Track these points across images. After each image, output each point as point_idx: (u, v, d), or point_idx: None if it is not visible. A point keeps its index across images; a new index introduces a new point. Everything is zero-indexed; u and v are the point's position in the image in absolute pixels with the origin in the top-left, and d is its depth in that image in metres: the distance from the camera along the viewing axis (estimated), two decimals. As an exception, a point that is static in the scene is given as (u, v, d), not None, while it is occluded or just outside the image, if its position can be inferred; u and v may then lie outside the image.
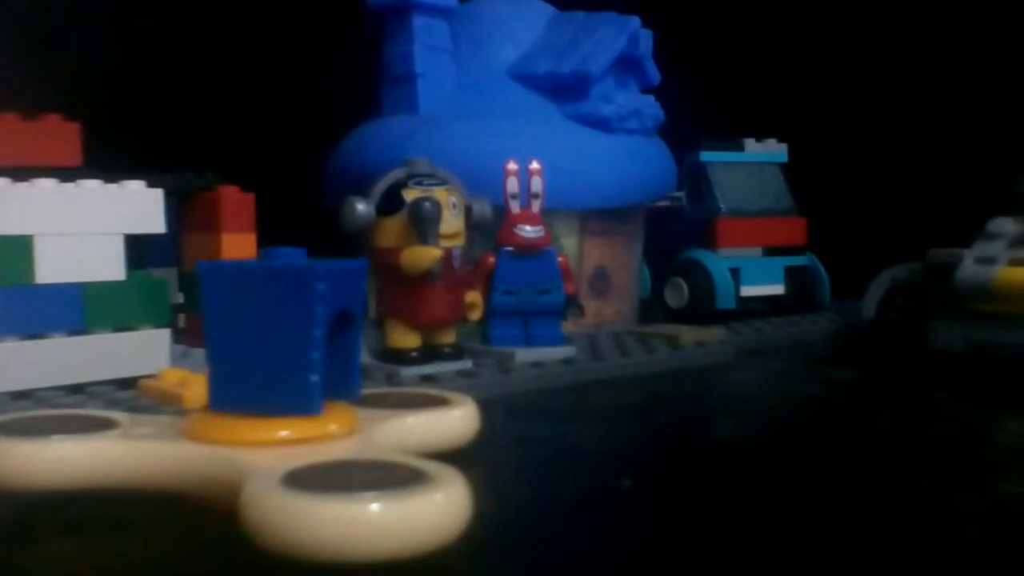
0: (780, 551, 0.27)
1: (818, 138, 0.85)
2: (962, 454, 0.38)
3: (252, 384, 0.29)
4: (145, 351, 0.45)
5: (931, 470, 0.35)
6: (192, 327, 0.50)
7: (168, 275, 0.50)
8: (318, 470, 0.26)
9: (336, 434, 0.29)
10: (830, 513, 0.30)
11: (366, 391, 0.34)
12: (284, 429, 0.29)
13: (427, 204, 0.46)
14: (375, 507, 0.23)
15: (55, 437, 0.29)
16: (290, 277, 0.28)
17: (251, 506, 0.24)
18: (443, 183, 0.48)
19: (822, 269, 0.75)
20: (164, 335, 0.46)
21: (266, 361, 0.29)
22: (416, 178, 0.48)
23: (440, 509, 0.24)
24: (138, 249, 0.46)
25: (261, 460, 0.27)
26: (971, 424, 0.42)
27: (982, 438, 0.41)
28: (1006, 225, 0.51)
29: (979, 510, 0.30)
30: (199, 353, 0.48)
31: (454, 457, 0.29)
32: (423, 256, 0.46)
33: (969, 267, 0.51)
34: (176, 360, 0.46)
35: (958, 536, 0.28)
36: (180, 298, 0.51)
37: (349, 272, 0.30)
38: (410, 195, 0.47)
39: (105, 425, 0.31)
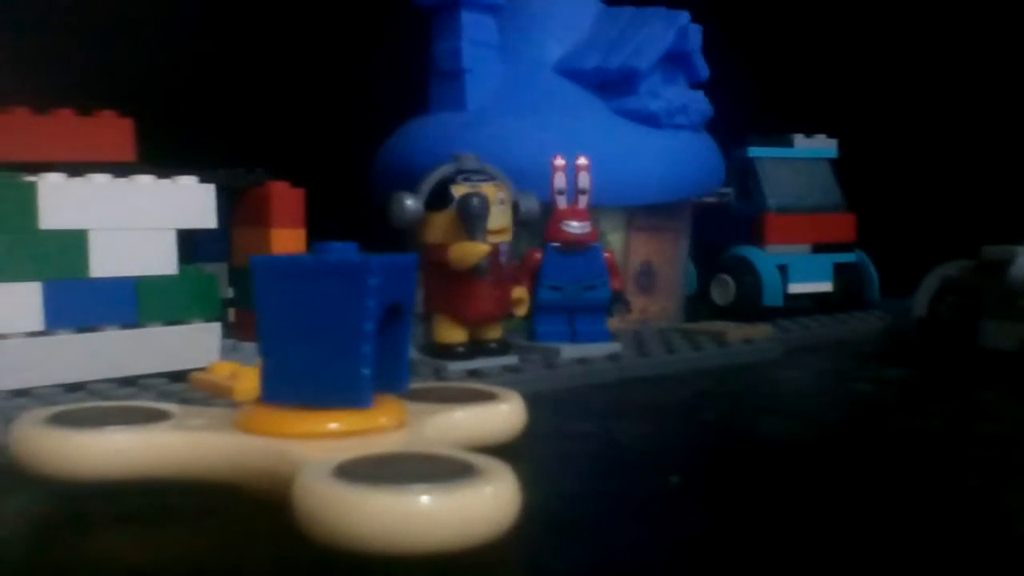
0: (828, 549, 0.27)
1: (870, 133, 0.84)
2: (1012, 453, 0.37)
3: (304, 377, 0.29)
4: (196, 345, 0.45)
5: (981, 469, 0.35)
6: (242, 321, 0.51)
7: (218, 270, 0.50)
8: (369, 462, 0.26)
9: (386, 427, 0.30)
10: (878, 512, 0.30)
11: (414, 385, 0.34)
12: (335, 421, 0.29)
13: (475, 200, 0.46)
14: (426, 499, 0.23)
15: (110, 428, 0.30)
16: (342, 271, 0.28)
17: (303, 497, 0.24)
18: (491, 179, 0.48)
19: (871, 266, 0.74)
20: (215, 329, 0.46)
21: (318, 354, 0.29)
22: (464, 174, 0.48)
23: (490, 502, 0.24)
24: (189, 244, 0.47)
25: (313, 452, 0.27)
26: (1022, 423, 0.42)
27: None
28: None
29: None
30: (249, 347, 0.48)
31: (501, 452, 0.29)
32: (471, 252, 0.46)
33: (1023, 265, 0.50)
34: (226, 354, 0.47)
35: (1008, 534, 0.28)
36: (230, 293, 0.52)
37: (400, 266, 0.30)
38: (458, 191, 0.47)
39: (158, 416, 0.31)
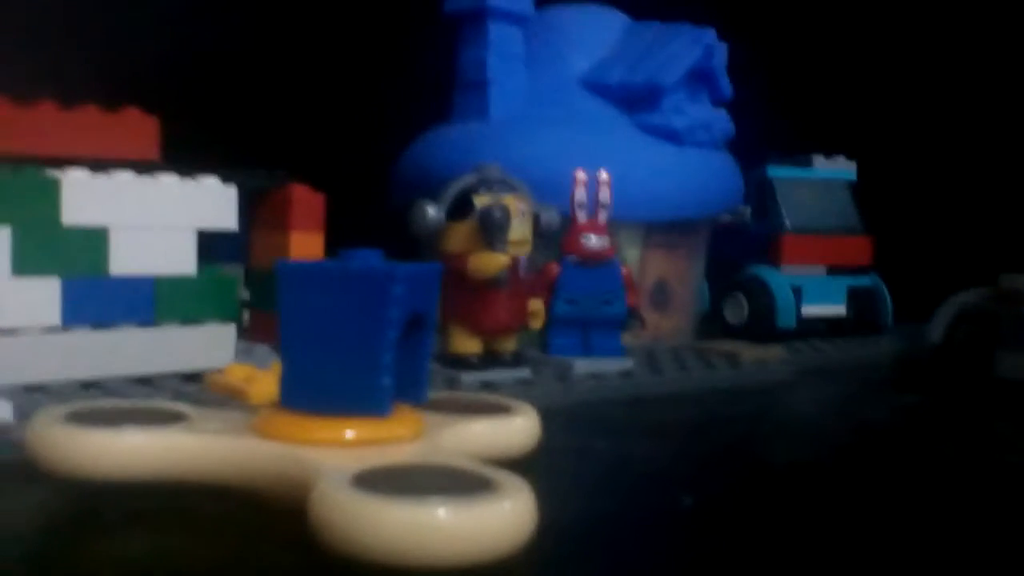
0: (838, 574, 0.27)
1: (890, 156, 0.84)
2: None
3: (324, 383, 0.29)
4: (211, 346, 0.45)
5: (996, 498, 0.35)
6: (257, 324, 0.51)
7: (234, 271, 0.50)
8: (388, 472, 0.26)
9: (404, 437, 0.30)
10: (887, 539, 0.30)
11: (430, 395, 0.34)
12: (354, 429, 0.29)
13: (497, 211, 0.46)
14: (444, 512, 0.23)
15: (128, 428, 0.30)
16: (367, 278, 0.28)
17: (321, 505, 0.24)
18: (513, 190, 0.48)
19: (886, 291, 0.74)
20: (230, 330, 0.46)
21: (339, 361, 0.29)
22: (487, 184, 0.48)
23: (507, 518, 0.24)
24: (207, 244, 0.47)
25: (331, 460, 0.27)
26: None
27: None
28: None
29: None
30: (263, 349, 0.48)
31: (514, 465, 0.29)
32: (491, 262, 0.46)
33: (1042, 295, 0.50)
34: (240, 356, 0.47)
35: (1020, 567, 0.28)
36: (245, 294, 0.52)
37: (424, 275, 0.30)
38: (480, 201, 0.47)
39: (175, 418, 0.31)
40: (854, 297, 0.73)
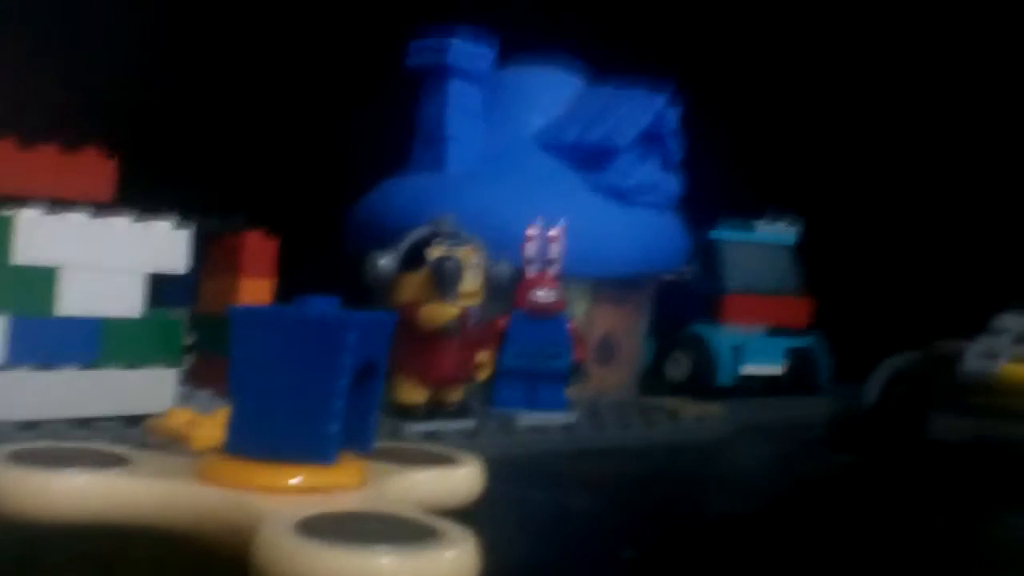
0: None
1: (835, 219, 0.85)
2: (955, 546, 0.38)
3: (271, 429, 0.29)
4: (153, 389, 0.45)
5: (919, 556, 0.36)
6: (202, 368, 0.51)
7: (181, 314, 0.50)
8: (332, 519, 0.26)
9: (349, 485, 0.30)
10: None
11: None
12: (299, 476, 0.29)
13: (450, 263, 0.46)
14: (388, 560, 0.24)
15: (70, 470, 0.30)
16: (321, 325, 0.29)
17: (265, 550, 0.24)
18: (466, 243, 0.49)
19: (824, 351, 0.76)
20: (172, 375, 0.46)
21: (287, 407, 0.29)
22: (440, 237, 0.48)
23: (450, 567, 0.24)
24: (156, 287, 0.47)
25: (274, 506, 0.27)
26: (967, 516, 0.43)
27: (977, 532, 0.41)
28: (1011, 321, 0.52)
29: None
30: (205, 394, 0.48)
31: (457, 515, 0.29)
32: (441, 313, 0.46)
33: (973, 360, 0.51)
34: (181, 400, 0.46)
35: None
36: (191, 338, 0.52)
37: (378, 324, 0.30)
38: (434, 253, 0.48)
39: (117, 461, 0.31)
40: (792, 357, 0.74)
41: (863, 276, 0.89)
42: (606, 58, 0.67)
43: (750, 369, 0.72)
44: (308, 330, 0.29)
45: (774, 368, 0.73)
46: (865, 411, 0.59)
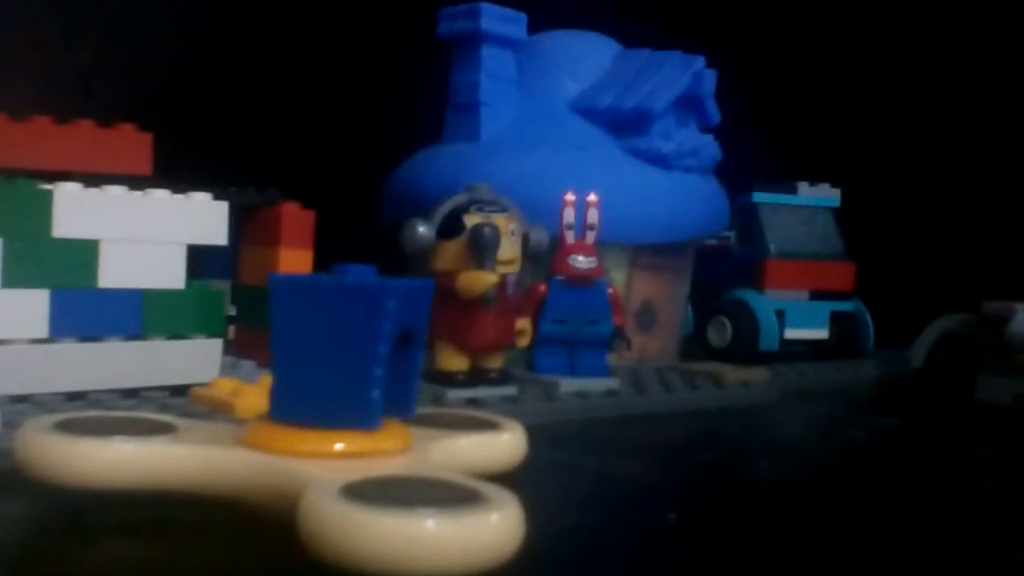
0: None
1: (875, 183, 0.85)
2: (1006, 506, 0.37)
3: (314, 396, 0.29)
4: (197, 360, 0.45)
5: (974, 520, 0.35)
6: (244, 339, 0.51)
7: (222, 286, 0.50)
8: (376, 484, 0.26)
9: (392, 450, 0.30)
10: (867, 560, 0.30)
11: (418, 410, 0.34)
12: (343, 442, 0.29)
13: (487, 230, 0.46)
14: (432, 523, 0.24)
15: (116, 438, 0.30)
16: (361, 293, 0.29)
17: (310, 516, 0.24)
18: (503, 210, 0.49)
19: (868, 316, 0.75)
20: (216, 345, 0.46)
21: (329, 374, 0.29)
22: (477, 204, 0.48)
23: (495, 530, 0.24)
24: (196, 260, 0.47)
25: (319, 471, 0.27)
26: (1016, 480, 0.42)
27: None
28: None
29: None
30: (249, 365, 0.49)
31: (500, 481, 0.29)
32: (479, 281, 0.46)
33: (1022, 321, 0.50)
34: (225, 371, 0.47)
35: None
36: (232, 310, 0.52)
37: (417, 291, 0.30)
38: (471, 220, 0.47)
39: (163, 429, 0.31)
40: (836, 321, 0.73)
41: (903, 240, 0.88)
42: (642, 28, 0.67)
43: (794, 334, 0.71)
44: (348, 297, 0.29)
45: (819, 332, 0.73)
46: (912, 374, 0.58)
